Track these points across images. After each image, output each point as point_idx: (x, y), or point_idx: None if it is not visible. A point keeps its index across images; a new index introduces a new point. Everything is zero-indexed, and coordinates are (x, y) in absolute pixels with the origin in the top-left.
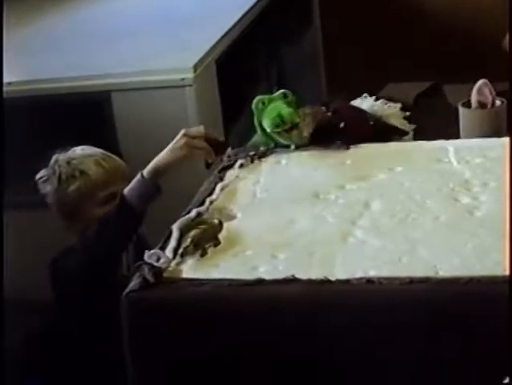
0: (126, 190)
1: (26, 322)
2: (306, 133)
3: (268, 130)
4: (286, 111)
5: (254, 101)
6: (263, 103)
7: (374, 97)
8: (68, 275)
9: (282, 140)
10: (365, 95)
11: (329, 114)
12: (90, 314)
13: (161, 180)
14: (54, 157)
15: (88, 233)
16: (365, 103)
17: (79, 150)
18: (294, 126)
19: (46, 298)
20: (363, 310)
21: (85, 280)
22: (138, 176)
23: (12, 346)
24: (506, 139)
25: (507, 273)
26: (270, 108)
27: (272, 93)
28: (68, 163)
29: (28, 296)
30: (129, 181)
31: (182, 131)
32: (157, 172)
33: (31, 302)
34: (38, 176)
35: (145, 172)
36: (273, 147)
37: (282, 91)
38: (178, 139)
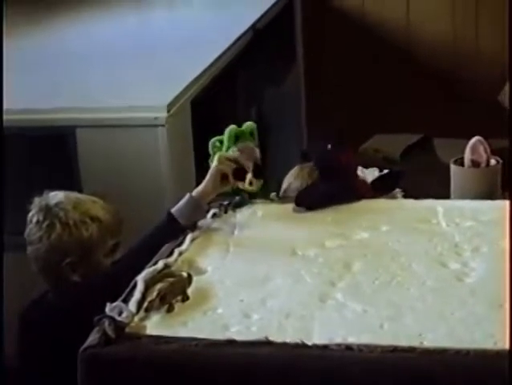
0: (173, 209)
1: None
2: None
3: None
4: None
5: (211, 141)
6: (220, 142)
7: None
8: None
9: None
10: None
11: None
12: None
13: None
14: (43, 201)
15: (125, 254)
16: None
17: (61, 194)
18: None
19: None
20: (340, 378)
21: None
22: (187, 197)
23: None
24: (501, 202)
25: (506, 346)
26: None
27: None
28: (75, 208)
29: None
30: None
31: (216, 156)
32: (204, 195)
33: None
34: (31, 218)
35: (194, 192)
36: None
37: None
38: (212, 168)
